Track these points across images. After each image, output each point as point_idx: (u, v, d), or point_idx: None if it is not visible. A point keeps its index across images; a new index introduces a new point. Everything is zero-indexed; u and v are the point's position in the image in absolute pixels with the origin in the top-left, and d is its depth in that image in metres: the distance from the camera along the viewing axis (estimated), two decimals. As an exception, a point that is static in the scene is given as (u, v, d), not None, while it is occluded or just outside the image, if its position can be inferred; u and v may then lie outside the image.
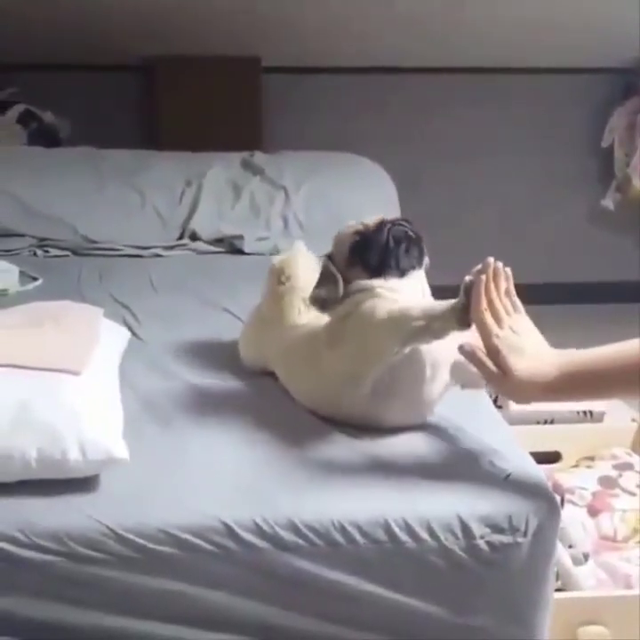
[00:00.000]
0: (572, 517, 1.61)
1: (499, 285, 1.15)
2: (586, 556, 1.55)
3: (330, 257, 1.29)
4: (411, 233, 1.25)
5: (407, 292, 1.24)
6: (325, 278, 1.28)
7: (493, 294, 1.14)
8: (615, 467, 1.85)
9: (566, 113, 3.47)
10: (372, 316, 1.21)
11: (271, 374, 1.43)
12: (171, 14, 2.97)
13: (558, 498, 1.72)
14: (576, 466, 1.91)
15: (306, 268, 1.48)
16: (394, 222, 1.26)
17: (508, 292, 1.16)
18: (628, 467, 1.84)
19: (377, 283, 1.24)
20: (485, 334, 1.12)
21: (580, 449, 1.94)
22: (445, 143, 3.42)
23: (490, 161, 3.48)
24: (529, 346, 1.13)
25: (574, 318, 3.24)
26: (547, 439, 1.94)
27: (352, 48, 3.20)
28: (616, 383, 1.10)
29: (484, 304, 1.12)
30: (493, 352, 1.11)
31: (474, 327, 1.14)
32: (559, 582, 1.45)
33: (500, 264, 1.15)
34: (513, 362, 1.10)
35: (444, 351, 1.24)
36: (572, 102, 3.46)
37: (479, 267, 1.14)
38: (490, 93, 3.41)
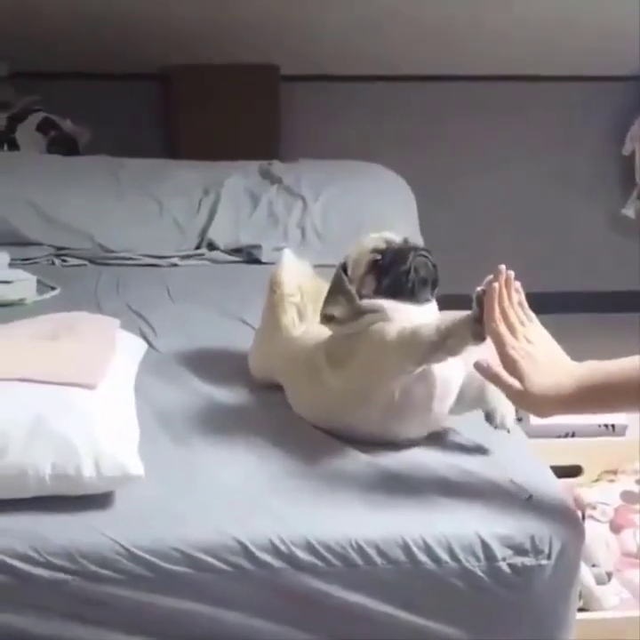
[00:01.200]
0: (595, 535, 1.58)
1: (511, 294, 1.12)
2: (609, 576, 1.52)
3: (344, 268, 1.26)
4: (431, 265, 1.23)
5: (418, 318, 1.20)
6: (337, 293, 1.24)
7: (506, 303, 1.11)
8: (638, 481, 1.82)
9: (587, 121, 3.43)
10: (382, 338, 1.19)
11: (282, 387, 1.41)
12: (189, 23, 2.97)
13: (580, 513, 1.70)
14: (598, 480, 1.88)
15: (294, 275, 1.47)
16: (417, 250, 1.23)
17: (520, 304, 1.13)
18: (651, 481, 1.81)
19: (388, 305, 1.22)
20: (500, 344, 1.09)
21: (601, 463, 1.91)
22: (465, 151, 3.40)
23: (510, 170, 3.45)
24: (545, 356, 1.10)
25: (595, 328, 3.20)
26: (568, 453, 1.91)
27: (371, 56, 3.18)
28: (637, 397, 1.05)
29: (498, 313, 1.09)
30: (509, 362, 1.08)
31: (488, 342, 1.11)
32: (581, 602, 1.42)
33: (511, 273, 1.12)
34: (529, 373, 1.07)
35: (454, 368, 1.21)
36: (593, 110, 3.43)
37: (490, 277, 1.12)
38: (510, 101, 3.38)
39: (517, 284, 1.13)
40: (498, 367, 1.10)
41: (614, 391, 1.06)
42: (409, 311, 1.21)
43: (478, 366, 1.11)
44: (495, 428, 1.21)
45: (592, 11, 2.96)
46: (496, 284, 1.10)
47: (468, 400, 1.24)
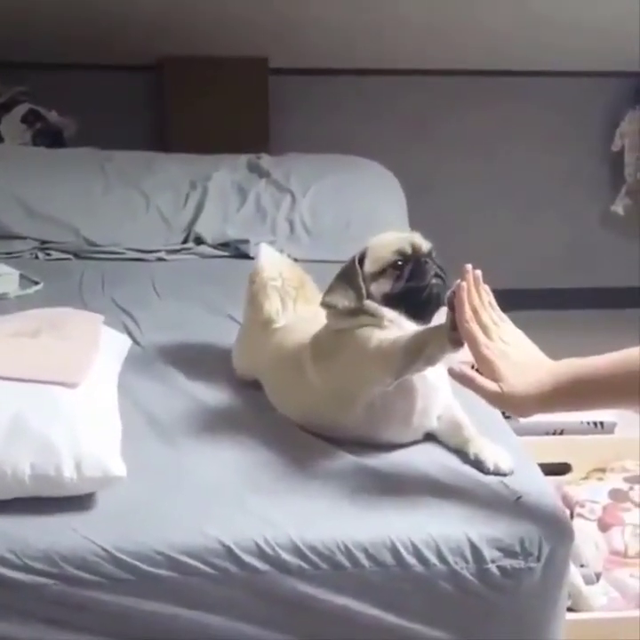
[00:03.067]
0: (584, 535, 1.57)
1: (480, 293, 1.10)
2: (598, 576, 1.51)
3: (360, 260, 1.21)
4: (445, 290, 1.17)
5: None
6: (347, 284, 1.20)
7: (477, 302, 1.08)
8: (626, 479, 1.81)
9: (577, 117, 3.43)
10: (364, 346, 1.16)
11: None
12: (178, 14, 2.94)
13: (568, 511, 1.69)
14: (586, 478, 1.88)
15: (271, 262, 1.46)
16: (437, 270, 1.19)
17: (491, 305, 1.11)
18: (639, 480, 1.80)
19: (390, 316, 1.19)
20: (474, 344, 1.06)
21: (590, 461, 1.90)
22: (454, 146, 3.39)
23: (498, 165, 3.45)
24: (522, 355, 1.08)
25: (582, 323, 3.21)
26: (556, 450, 1.91)
27: (360, 50, 3.17)
28: (618, 393, 1.03)
29: (469, 313, 1.07)
30: (484, 363, 1.06)
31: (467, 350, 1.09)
32: (570, 602, 1.41)
33: (478, 272, 1.11)
34: (506, 373, 1.05)
35: (437, 384, 1.20)
36: (583, 106, 3.43)
37: (459, 280, 1.10)
38: (499, 96, 3.38)
39: (486, 287, 1.11)
40: (472, 371, 1.07)
41: (597, 387, 1.03)
42: (405, 328, 1.17)
43: (452, 372, 1.08)
44: (487, 473, 1.16)
45: (581, 7, 2.95)
46: (463, 283, 1.08)
47: (452, 446, 1.22)
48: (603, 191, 3.51)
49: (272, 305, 1.42)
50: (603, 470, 1.88)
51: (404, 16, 3.00)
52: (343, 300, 1.19)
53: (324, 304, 1.23)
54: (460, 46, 3.17)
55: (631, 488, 1.78)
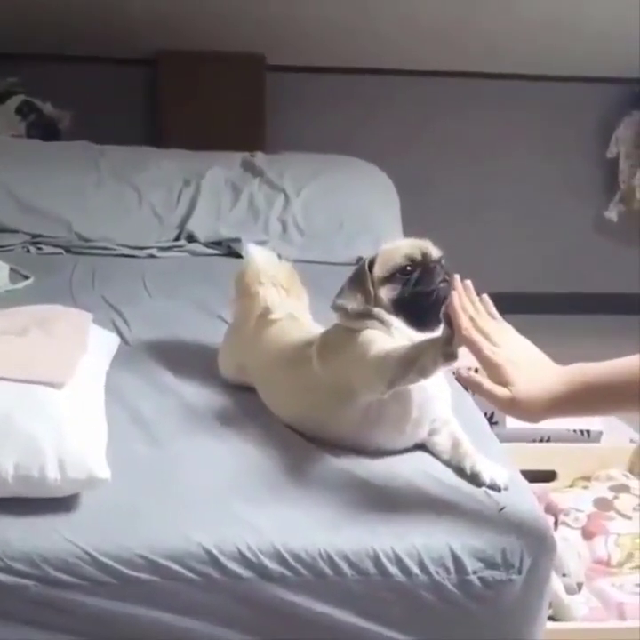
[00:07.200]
0: (567, 545, 1.57)
1: (474, 302, 1.09)
2: (579, 586, 1.51)
3: (370, 264, 1.22)
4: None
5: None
6: (356, 287, 1.21)
7: (471, 311, 1.08)
8: (611, 488, 1.82)
9: (573, 122, 3.44)
10: (367, 349, 1.17)
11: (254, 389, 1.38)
12: (176, 8, 2.93)
13: (552, 519, 1.70)
14: (571, 486, 1.88)
15: (260, 258, 1.48)
16: (445, 276, 1.18)
17: (491, 315, 1.10)
18: (624, 489, 1.81)
19: (395, 322, 1.19)
20: (477, 350, 1.05)
21: (575, 469, 1.91)
22: (449, 149, 3.39)
23: (493, 168, 3.45)
24: (528, 360, 1.06)
25: (574, 328, 3.21)
26: (542, 458, 1.91)
27: (358, 49, 3.16)
28: (630, 397, 1.01)
29: (466, 320, 1.06)
30: (492, 367, 1.04)
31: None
32: (551, 611, 1.41)
33: (468, 282, 1.10)
34: (515, 377, 1.03)
35: (435, 394, 1.20)
36: (579, 111, 3.43)
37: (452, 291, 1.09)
38: (496, 100, 3.37)
39: (485, 296, 1.11)
40: (479, 376, 1.06)
41: (608, 392, 1.02)
42: (410, 335, 1.17)
43: (459, 375, 1.07)
44: (480, 486, 1.15)
45: (579, 11, 2.95)
46: (454, 292, 1.08)
47: (447, 460, 1.22)
48: (597, 197, 3.52)
49: (268, 293, 1.42)
50: (588, 479, 1.88)
51: (404, 16, 3.00)
52: (352, 303, 1.20)
53: (335, 306, 1.23)
54: (459, 48, 3.17)
55: (616, 497, 1.78)
